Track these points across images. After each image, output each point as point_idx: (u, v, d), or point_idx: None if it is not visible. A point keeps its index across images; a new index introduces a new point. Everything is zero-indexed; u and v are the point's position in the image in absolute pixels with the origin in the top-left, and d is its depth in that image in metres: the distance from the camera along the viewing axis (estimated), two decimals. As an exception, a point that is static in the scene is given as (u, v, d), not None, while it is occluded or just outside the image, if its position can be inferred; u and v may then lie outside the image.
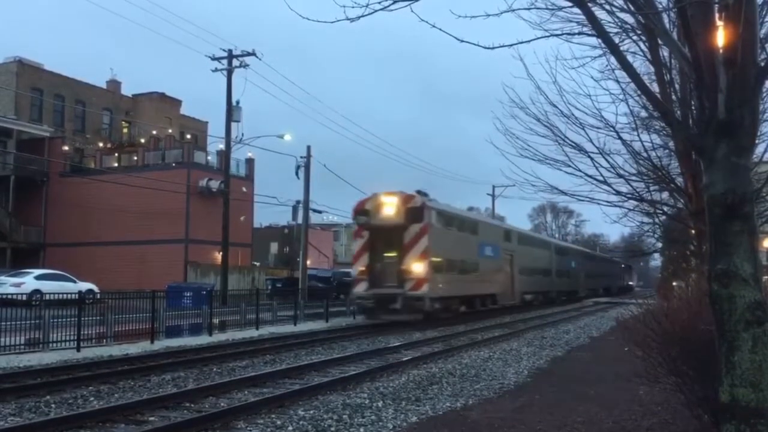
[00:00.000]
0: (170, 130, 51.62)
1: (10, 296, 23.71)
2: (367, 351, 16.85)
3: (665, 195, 18.71)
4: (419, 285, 24.69)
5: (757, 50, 5.89)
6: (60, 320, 16.93)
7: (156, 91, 58.52)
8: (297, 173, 40.31)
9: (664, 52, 12.61)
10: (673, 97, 12.73)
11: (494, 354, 16.79)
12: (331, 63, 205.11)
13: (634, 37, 12.86)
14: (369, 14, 5.77)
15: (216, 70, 35.27)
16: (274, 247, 66.97)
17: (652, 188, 16.92)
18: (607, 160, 13.15)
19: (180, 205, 41.90)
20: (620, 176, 13.80)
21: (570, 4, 7.17)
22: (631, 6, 7.20)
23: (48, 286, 25.86)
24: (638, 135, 13.52)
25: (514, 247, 37.73)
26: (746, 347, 5.37)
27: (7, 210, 43.29)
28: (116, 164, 46.33)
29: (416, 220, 25.48)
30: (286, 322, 24.79)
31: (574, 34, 10.29)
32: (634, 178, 14.86)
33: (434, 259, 25.69)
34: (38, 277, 30.17)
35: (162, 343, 17.66)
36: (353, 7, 5.64)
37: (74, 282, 30.18)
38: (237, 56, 35.17)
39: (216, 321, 21.43)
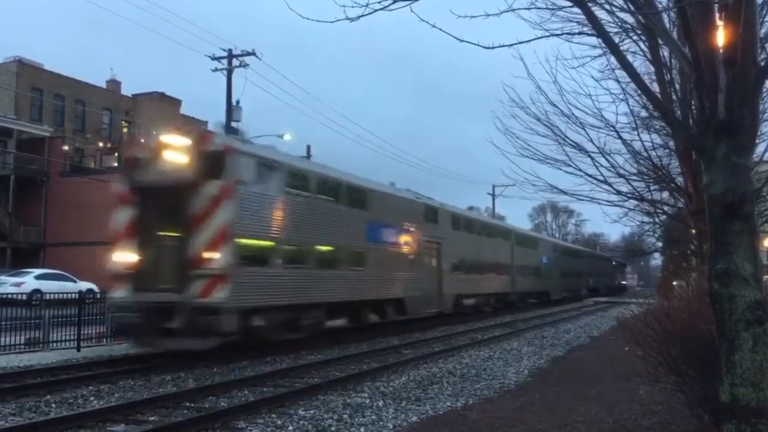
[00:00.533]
0: (170, 130, 51.51)
1: (10, 296, 23.72)
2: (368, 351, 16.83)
3: (665, 194, 18.72)
4: (211, 288, 14.08)
5: (757, 50, 5.90)
6: (60, 320, 16.96)
7: (156, 91, 58.47)
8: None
9: (664, 52, 12.63)
10: (673, 96, 12.73)
11: (495, 353, 16.81)
12: (331, 63, 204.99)
13: (634, 37, 12.87)
14: (369, 14, 5.77)
15: (216, 69, 35.18)
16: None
17: (652, 188, 16.92)
18: (607, 159, 13.16)
19: (180, 205, 41.73)
20: (620, 176, 13.80)
21: (570, 3, 7.18)
22: (631, 6, 7.19)
23: (48, 286, 25.88)
24: (638, 135, 13.55)
25: (445, 233, 27.52)
26: (747, 347, 5.38)
27: (7, 210, 43.24)
28: (116, 164, 46.27)
29: (214, 174, 14.70)
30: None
31: (574, 33, 10.31)
32: (634, 177, 14.87)
33: (245, 241, 15.17)
34: (38, 277, 30.17)
35: (162, 343, 17.62)
36: (353, 7, 5.65)
37: (74, 282, 30.13)
38: (237, 56, 35.10)
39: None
